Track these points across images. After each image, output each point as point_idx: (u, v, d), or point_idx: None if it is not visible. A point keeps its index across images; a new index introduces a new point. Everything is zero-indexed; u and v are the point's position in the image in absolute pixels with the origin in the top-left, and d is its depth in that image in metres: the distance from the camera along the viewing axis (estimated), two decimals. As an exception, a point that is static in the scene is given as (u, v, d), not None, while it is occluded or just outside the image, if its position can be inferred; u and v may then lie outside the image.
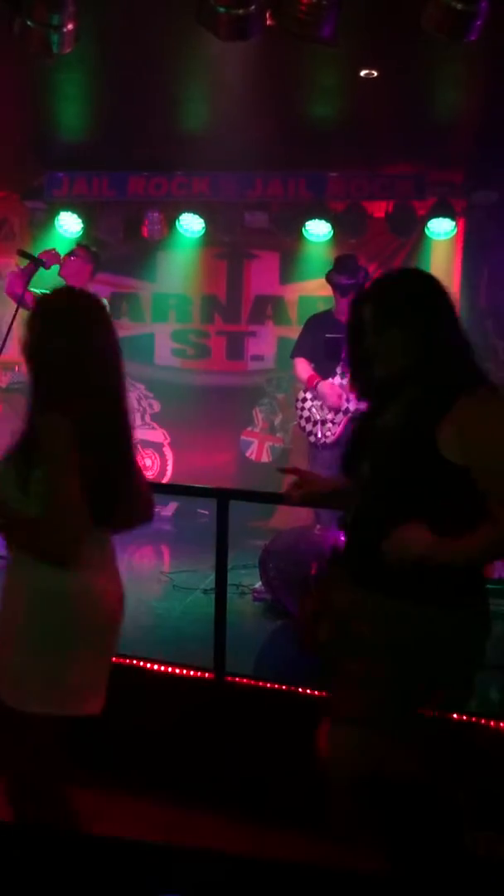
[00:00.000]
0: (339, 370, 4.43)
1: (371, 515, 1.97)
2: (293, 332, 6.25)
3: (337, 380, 4.45)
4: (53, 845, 1.70)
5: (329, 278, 4.63)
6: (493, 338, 5.93)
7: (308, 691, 3.02)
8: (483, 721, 2.84)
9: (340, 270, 4.61)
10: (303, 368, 4.65)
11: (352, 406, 4.38)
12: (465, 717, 2.86)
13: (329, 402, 4.46)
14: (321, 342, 4.50)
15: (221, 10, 2.93)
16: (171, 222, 6.05)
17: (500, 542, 1.85)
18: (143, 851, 2.36)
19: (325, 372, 4.52)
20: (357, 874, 2.22)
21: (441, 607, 1.91)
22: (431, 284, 1.97)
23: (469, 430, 1.81)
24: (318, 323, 4.72)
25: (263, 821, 2.73)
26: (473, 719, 2.86)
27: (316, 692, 3.01)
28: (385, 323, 1.94)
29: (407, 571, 1.88)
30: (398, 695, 1.94)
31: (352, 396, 4.34)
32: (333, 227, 5.82)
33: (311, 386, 4.55)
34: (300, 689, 3.02)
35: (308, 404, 4.58)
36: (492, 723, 2.82)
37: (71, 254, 4.86)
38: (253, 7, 2.95)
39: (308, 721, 2.96)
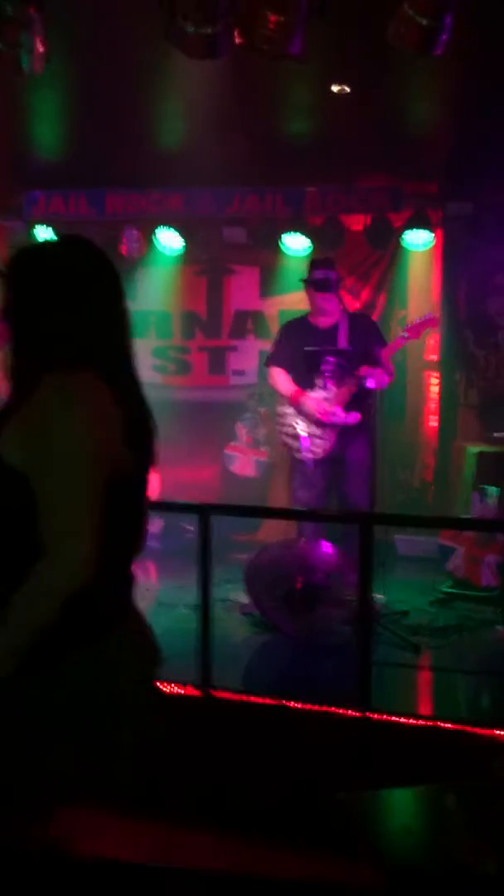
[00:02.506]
0: (318, 382, 4.29)
1: None
2: (274, 346, 6.31)
3: (320, 393, 4.29)
4: (34, 866, 1.67)
5: (305, 280, 4.44)
6: (473, 347, 5.98)
7: (296, 705, 3.01)
8: (472, 729, 2.84)
9: (316, 266, 4.46)
10: (281, 380, 4.46)
11: (338, 419, 4.24)
12: (452, 726, 2.86)
13: (315, 419, 4.27)
14: (299, 352, 4.35)
15: (190, 28, 2.95)
16: (149, 239, 6.07)
17: (53, 588, 1.39)
18: (130, 872, 2.34)
19: (303, 381, 4.37)
20: (355, 888, 2.20)
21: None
22: (69, 255, 1.58)
23: (29, 429, 1.43)
24: (293, 330, 4.56)
25: (252, 837, 2.71)
26: (462, 727, 2.86)
27: (304, 706, 3.01)
28: (12, 295, 1.57)
29: None
30: None
31: (338, 409, 4.24)
32: (311, 240, 5.86)
33: (294, 402, 4.35)
34: (288, 703, 3.02)
35: (289, 419, 4.37)
36: (479, 730, 2.82)
37: None
38: (221, 25, 2.97)
39: (296, 735, 2.96)
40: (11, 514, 1.45)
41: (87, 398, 1.46)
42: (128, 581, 1.65)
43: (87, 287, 1.56)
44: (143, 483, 1.62)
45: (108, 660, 1.52)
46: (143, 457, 1.60)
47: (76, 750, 1.48)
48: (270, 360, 4.58)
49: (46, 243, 1.66)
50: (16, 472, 1.42)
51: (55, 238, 1.66)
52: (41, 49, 3.08)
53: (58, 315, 1.53)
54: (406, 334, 4.44)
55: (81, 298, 1.54)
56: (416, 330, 4.38)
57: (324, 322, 4.41)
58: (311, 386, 4.34)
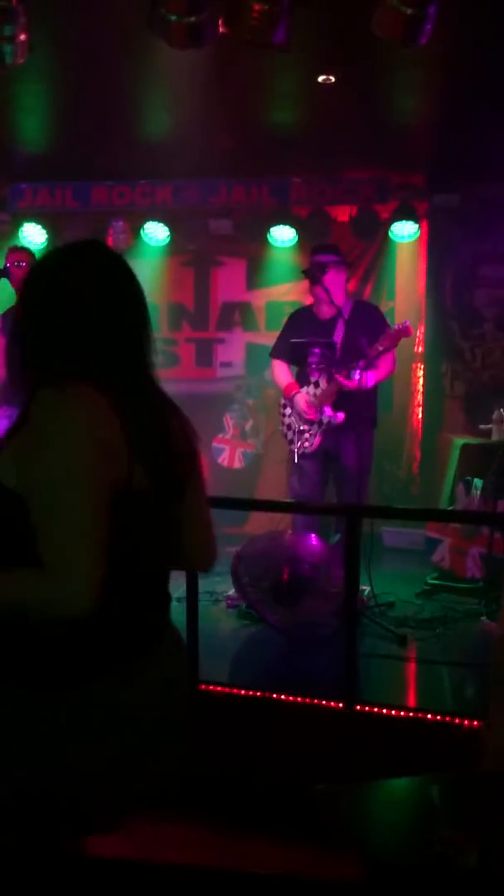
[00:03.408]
0: (312, 379, 4.25)
1: None
2: (262, 338, 6.29)
3: (311, 389, 4.26)
4: (27, 863, 1.67)
5: (307, 268, 4.31)
6: (459, 339, 5.99)
7: (283, 697, 3.01)
8: (457, 720, 2.85)
9: (318, 251, 4.35)
10: (280, 373, 4.43)
11: (325, 417, 4.20)
12: (438, 717, 2.88)
13: (303, 415, 4.25)
14: (297, 343, 4.30)
15: (173, 18, 2.93)
16: (135, 231, 6.05)
17: (49, 604, 1.34)
18: (120, 869, 2.34)
19: (299, 374, 4.36)
20: (338, 881, 2.21)
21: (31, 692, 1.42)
22: (71, 265, 1.52)
23: (22, 449, 1.36)
24: (293, 320, 4.49)
25: (241, 831, 2.72)
26: (447, 719, 2.87)
27: (291, 698, 3.01)
28: (19, 311, 1.53)
29: None
30: None
31: (326, 407, 4.20)
32: (298, 232, 5.85)
33: (287, 396, 4.35)
34: (275, 696, 3.02)
35: (288, 411, 4.37)
36: (464, 721, 2.83)
37: (16, 264, 4.73)
38: (205, 14, 2.95)
39: (282, 727, 2.97)
40: (10, 539, 1.39)
41: (79, 414, 1.37)
42: (158, 604, 1.57)
43: (85, 296, 1.47)
44: (170, 498, 1.54)
45: (134, 686, 1.46)
46: (167, 470, 1.51)
47: (101, 772, 1.45)
48: (272, 351, 4.54)
49: (54, 253, 1.56)
50: (12, 495, 1.36)
51: (66, 246, 1.57)
52: (23, 39, 3.05)
53: (53, 326, 1.46)
54: (383, 344, 4.17)
55: (80, 307, 1.46)
56: (393, 340, 4.14)
57: (323, 313, 4.32)
58: (306, 378, 4.31)
